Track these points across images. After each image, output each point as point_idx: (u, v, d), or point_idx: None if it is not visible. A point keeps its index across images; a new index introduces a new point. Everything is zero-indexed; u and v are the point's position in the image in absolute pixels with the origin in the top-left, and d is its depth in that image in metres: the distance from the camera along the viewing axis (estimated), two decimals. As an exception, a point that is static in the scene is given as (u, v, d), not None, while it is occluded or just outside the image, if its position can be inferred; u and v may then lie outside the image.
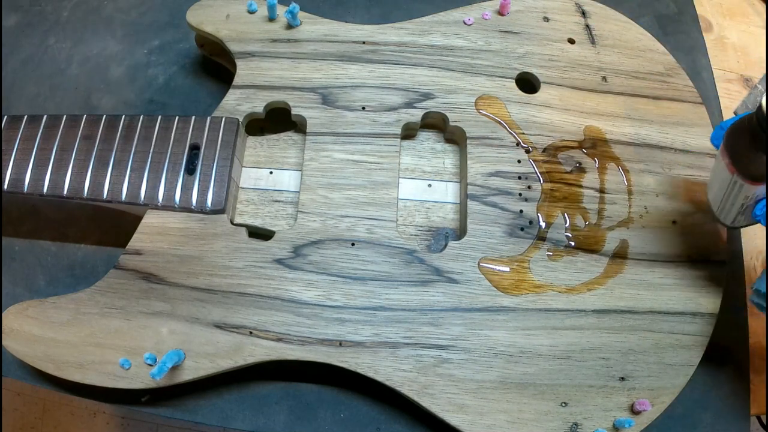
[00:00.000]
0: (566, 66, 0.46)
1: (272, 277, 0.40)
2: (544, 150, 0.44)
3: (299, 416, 0.43)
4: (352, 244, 0.41)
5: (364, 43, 0.46)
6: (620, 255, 0.41)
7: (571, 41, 0.47)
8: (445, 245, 0.41)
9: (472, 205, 0.42)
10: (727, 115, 0.55)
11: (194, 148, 0.43)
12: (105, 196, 0.41)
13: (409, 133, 0.46)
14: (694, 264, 0.41)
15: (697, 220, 0.42)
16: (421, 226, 0.44)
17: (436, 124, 0.46)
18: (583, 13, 0.48)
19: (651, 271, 0.41)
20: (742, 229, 0.50)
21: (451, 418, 0.38)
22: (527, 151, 0.44)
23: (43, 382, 0.43)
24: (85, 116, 0.43)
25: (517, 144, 0.44)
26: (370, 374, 0.38)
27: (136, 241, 0.41)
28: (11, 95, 0.53)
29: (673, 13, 0.58)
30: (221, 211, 0.41)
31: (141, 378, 0.38)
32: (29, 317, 0.40)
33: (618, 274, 0.41)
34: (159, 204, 0.41)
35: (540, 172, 0.43)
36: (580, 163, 0.43)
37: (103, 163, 0.42)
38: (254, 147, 0.46)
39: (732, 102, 0.56)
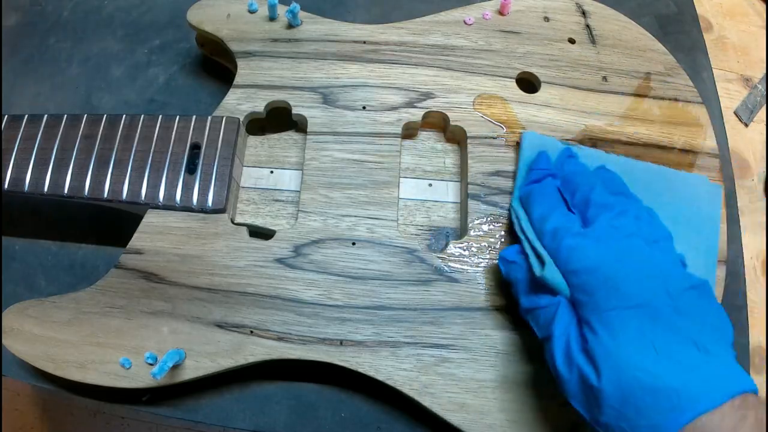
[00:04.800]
0: (567, 66, 0.46)
1: (273, 276, 0.40)
2: (545, 149, 0.44)
3: (300, 416, 0.43)
4: (353, 244, 0.41)
5: (364, 42, 0.46)
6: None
7: (572, 41, 0.47)
8: (446, 244, 0.41)
9: (472, 204, 0.42)
10: (728, 115, 0.55)
11: (195, 148, 0.43)
12: (106, 195, 0.41)
13: (409, 132, 0.46)
14: (694, 263, 0.41)
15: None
16: (421, 226, 0.44)
17: (436, 123, 0.46)
18: (584, 13, 0.49)
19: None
20: (742, 229, 0.50)
21: (452, 418, 0.37)
22: (528, 151, 0.44)
23: (43, 382, 0.43)
24: (85, 116, 0.43)
25: (518, 143, 0.44)
26: (371, 373, 0.38)
27: (136, 241, 0.41)
28: (11, 95, 0.53)
29: (673, 13, 0.58)
30: (222, 211, 0.41)
31: (142, 377, 0.38)
32: (29, 316, 0.40)
33: (618, 274, 0.41)
34: (160, 203, 0.41)
35: (540, 172, 0.43)
36: (580, 163, 0.43)
37: (104, 162, 0.42)
38: (255, 146, 0.46)
39: (732, 102, 0.56)
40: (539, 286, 0.34)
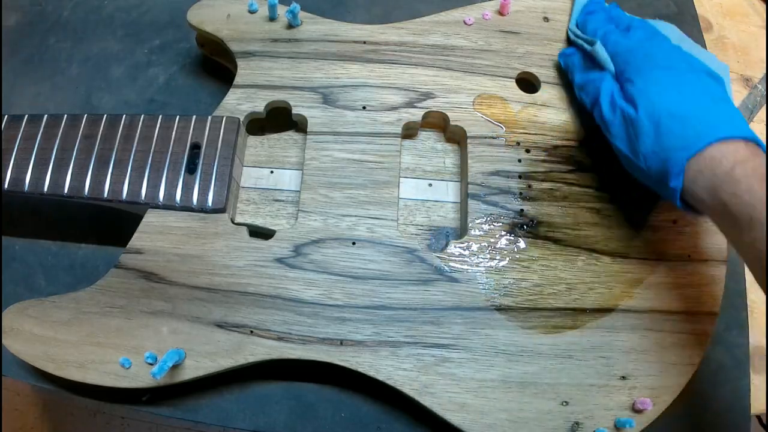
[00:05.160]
0: (567, 66, 0.46)
1: (273, 276, 0.40)
2: (545, 149, 0.44)
3: (300, 416, 0.43)
4: (353, 243, 0.41)
5: (364, 42, 0.46)
6: (621, 254, 0.41)
7: (572, 41, 0.47)
8: (446, 244, 0.41)
9: (472, 204, 0.42)
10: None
11: (195, 148, 0.43)
12: (106, 195, 0.41)
13: (409, 132, 0.46)
14: (694, 263, 0.41)
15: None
16: (421, 225, 0.44)
17: (436, 123, 0.46)
18: (584, 13, 0.48)
19: (652, 270, 0.41)
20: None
21: (452, 417, 0.38)
22: (527, 151, 0.44)
23: (43, 382, 0.43)
24: (85, 116, 0.43)
25: (518, 143, 0.44)
26: (371, 373, 0.38)
27: (136, 240, 0.41)
28: (11, 95, 0.53)
29: (673, 13, 0.58)
30: (222, 211, 0.41)
31: (142, 377, 0.38)
32: (29, 316, 0.40)
33: (619, 273, 0.41)
34: (160, 203, 0.41)
35: (540, 172, 0.43)
36: (581, 163, 0.43)
37: (104, 162, 0.42)
38: (255, 146, 0.46)
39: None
40: (590, 65, 0.42)
